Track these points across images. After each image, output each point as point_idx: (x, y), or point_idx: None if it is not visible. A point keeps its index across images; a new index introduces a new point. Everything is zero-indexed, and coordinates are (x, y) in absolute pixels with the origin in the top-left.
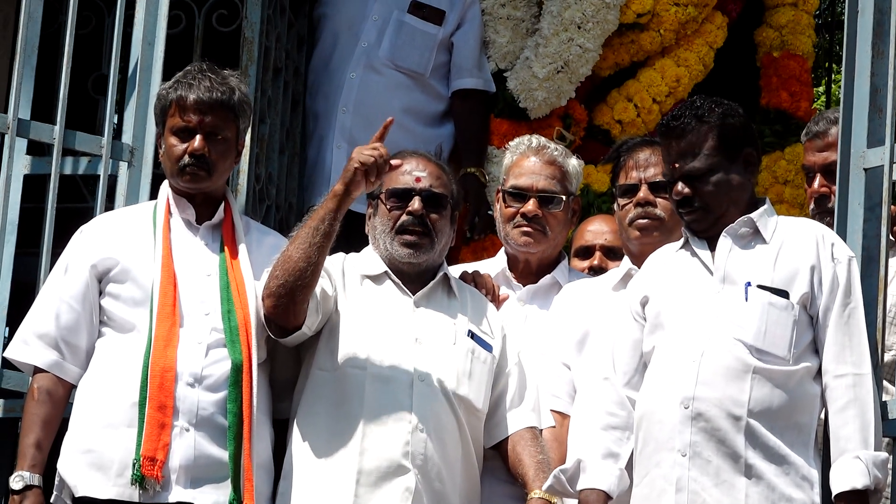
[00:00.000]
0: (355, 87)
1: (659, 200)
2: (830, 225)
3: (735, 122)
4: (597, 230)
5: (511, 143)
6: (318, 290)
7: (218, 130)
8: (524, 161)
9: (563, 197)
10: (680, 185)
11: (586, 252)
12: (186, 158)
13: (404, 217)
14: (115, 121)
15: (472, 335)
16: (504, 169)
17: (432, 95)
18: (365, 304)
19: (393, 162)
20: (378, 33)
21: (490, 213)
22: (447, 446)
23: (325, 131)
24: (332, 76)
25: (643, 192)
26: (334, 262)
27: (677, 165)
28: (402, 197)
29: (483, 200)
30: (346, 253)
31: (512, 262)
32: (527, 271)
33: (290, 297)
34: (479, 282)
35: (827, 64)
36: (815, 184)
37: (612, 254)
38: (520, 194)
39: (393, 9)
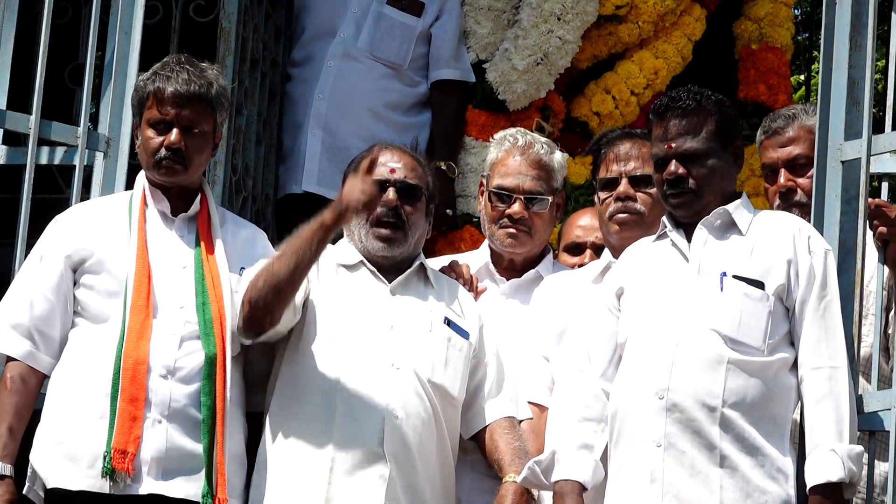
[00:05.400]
0: (332, 75)
1: (639, 195)
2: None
3: (730, 113)
4: (587, 226)
5: (496, 137)
6: (292, 307)
7: (195, 124)
8: (509, 160)
9: (549, 198)
10: (673, 165)
11: (576, 248)
12: (163, 152)
13: (379, 209)
14: (92, 111)
15: (449, 322)
16: (489, 164)
17: (410, 85)
18: (340, 292)
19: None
20: (357, 24)
21: (449, 212)
22: (422, 434)
23: (301, 118)
24: (309, 65)
25: (623, 186)
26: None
27: (674, 145)
28: (377, 188)
29: (448, 197)
30: None
31: (496, 257)
32: (511, 266)
33: (268, 310)
34: (456, 270)
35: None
36: (781, 179)
37: (603, 251)
38: (505, 195)
39: (372, 0)
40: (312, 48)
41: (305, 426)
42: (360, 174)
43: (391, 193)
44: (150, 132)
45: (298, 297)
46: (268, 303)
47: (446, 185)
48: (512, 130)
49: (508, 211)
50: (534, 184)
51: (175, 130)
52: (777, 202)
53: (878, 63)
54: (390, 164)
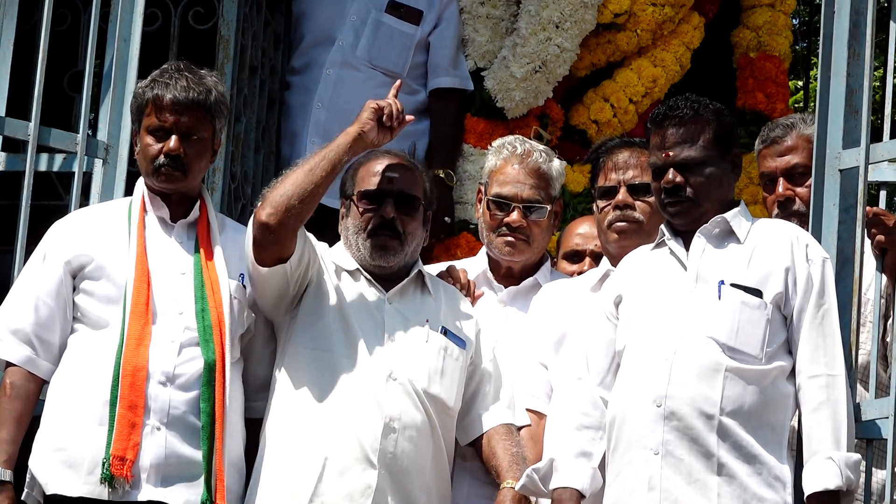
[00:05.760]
0: (331, 83)
1: (638, 203)
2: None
3: (729, 122)
4: (586, 234)
5: (494, 144)
6: (306, 237)
7: (194, 131)
8: (508, 168)
9: (548, 206)
10: (671, 173)
11: (575, 256)
12: (162, 158)
13: (376, 220)
14: (91, 118)
15: (446, 332)
16: (487, 171)
17: (409, 93)
18: (339, 299)
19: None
20: (356, 33)
21: (447, 220)
22: (417, 445)
23: (300, 127)
24: (308, 73)
25: (622, 195)
26: (317, 243)
27: (672, 154)
28: (374, 198)
29: (446, 204)
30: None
31: (493, 265)
32: (509, 274)
33: (286, 214)
34: (453, 275)
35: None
36: (780, 188)
37: (602, 259)
38: (504, 203)
39: (371, 8)
40: (311, 56)
41: (302, 432)
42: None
43: (388, 208)
44: (149, 139)
45: (308, 249)
46: (286, 203)
47: (444, 193)
48: (510, 138)
49: (507, 219)
50: (532, 192)
51: (174, 137)
52: (775, 211)
53: (877, 72)
54: (388, 174)
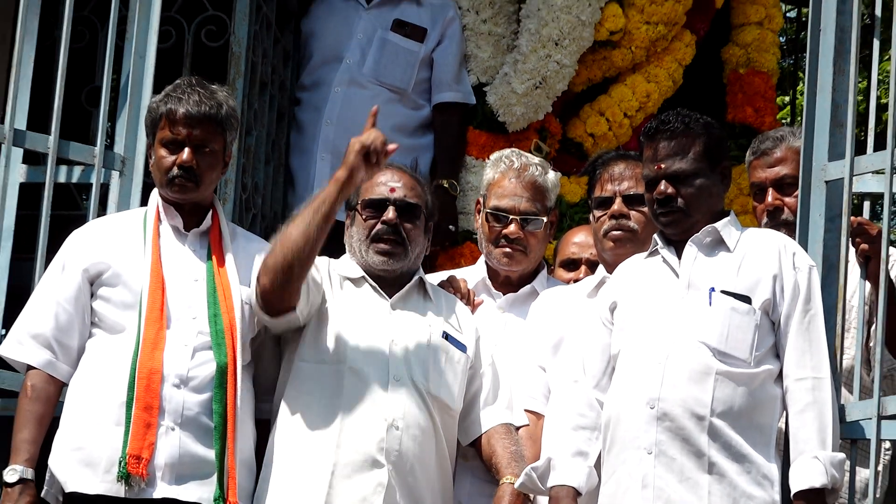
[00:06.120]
0: (339, 101)
1: (632, 213)
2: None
3: (718, 135)
4: (582, 243)
5: (493, 157)
6: (309, 278)
7: (206, 143)
8: (505, 181)
9: (544, 218)
10: (663, 185)
11: (572, 264)
12: (175, 170)
13: (379, 226)
14: (108, 131)
15: (447, 336)
16: (485, 184)
17: (414, 108)
18: (345, 306)
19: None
20: (362, 51)
21: (452, 228)
22: (421, 443)
23: (310, 143)
24: (318, 91)
25: (617, 205)
26: (321, 263)
27: (663, 166)
28: (377, 207)
29: (450, 213)
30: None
31: (492, 273)
32: (507, 282)
33: (288, 274)
34: (454, 285)
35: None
36: (769, 197)
37: (597, 267)
38: (502, 216)
39: (377, 27)
40: (320, 74)
41: (310, 433)
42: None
43: (391, 212)
44: (163, 151)
45: (313, 285)
46: (286, 264)
47: (449, 202)
48: (507, 152)
49: (505, 231)
50: (529, 205)
51: (187, 150)
52: (765, 220)
53: (860, 84)
54: (390, 184)
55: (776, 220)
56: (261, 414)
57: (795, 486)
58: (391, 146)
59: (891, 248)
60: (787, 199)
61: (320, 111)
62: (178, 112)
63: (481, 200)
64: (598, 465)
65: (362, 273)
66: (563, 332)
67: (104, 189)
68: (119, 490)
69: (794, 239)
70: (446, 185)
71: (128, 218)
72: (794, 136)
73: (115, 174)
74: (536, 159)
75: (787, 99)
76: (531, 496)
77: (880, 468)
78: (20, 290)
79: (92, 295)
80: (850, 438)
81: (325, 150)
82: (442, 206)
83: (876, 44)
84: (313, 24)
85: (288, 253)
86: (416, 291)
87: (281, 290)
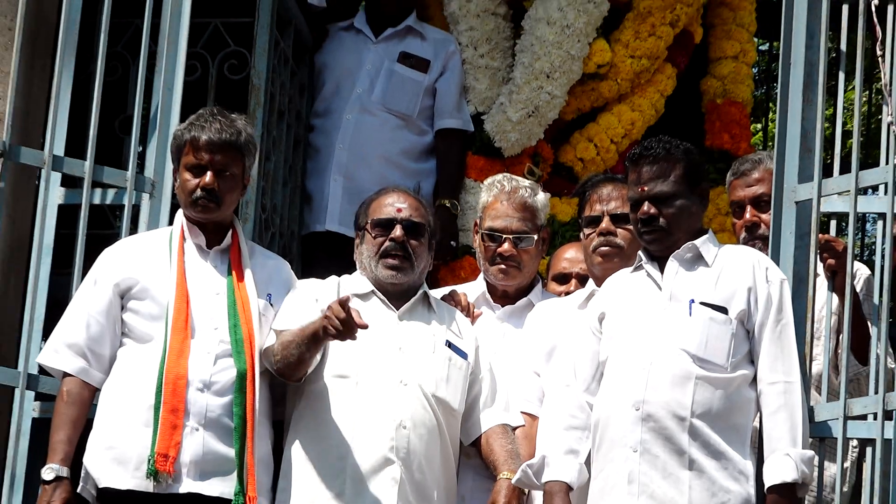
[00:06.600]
0: (351, 127)
1: (619, 231)
2: (761, 250)
3: (697, 159)
4: (573, 258)
5: (487, 182)
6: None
7: (226, 167)
8: (498, 204)
9: (535, 235)
10: (646, 206)
11: (563, 278)
12: (198, 192)
13: (387, 243)
14: (139, 157)
15: (450, 344)
16: (481, 206)
17: (419, 134)
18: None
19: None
20: (371, 81)
21: (453, 244)
22: (427, 442)
23: (324, 166)
24: (331, 117)
25: (605, 223)
26: (329, 286)
27: (646, 188)
28: (385, 226)
29: (451, 231)
30: (339, 275)
31: (491, 288)
32: (504, 295)
33: (292, 373)
34: (455, 299)
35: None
36: (747, 214)
37: (587, 281)
38: (496, 235)
39: (384, 59)
40: (332, 102)
41: (324, 435)
42: (341, 305)
43: (398, 230)
44: (188, 175)
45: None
46: (289, 370)
47: (450, 220)
48: (499, 177)
49: (499, 250)
50: (520, 224)
51: (209, 173)
52: (743, 234)
53: (827, 112)
54: (397, 205)
55: (753, 235)
56: (277, 416)
57: (769, 481)
58: (360, 321)
59: (856, 263)
60: (763, 216)
61: (333, 137)
62: (201, 139)
63: (478, 222)
64: (588, 463)
65: (372, 287)
66: (556, 341)
67: (135, 210)
68: (148, 486)
69: (768, 254)
70: (448, 205)
71: (155, 236)
72: (771, 159)
73: (145, 196)
74: (527, 182)
75: (759, 126)
76: (526, 491)
77: (847, 465)
78: (59, 302)
79: (122, 308)
80: (819, 437)
81: (339, 172)
82: (444, 224)
83: (841, 76)
84: (326, 57)
85: (288, 367)
86: (421, 304)
87: (291, 375)
